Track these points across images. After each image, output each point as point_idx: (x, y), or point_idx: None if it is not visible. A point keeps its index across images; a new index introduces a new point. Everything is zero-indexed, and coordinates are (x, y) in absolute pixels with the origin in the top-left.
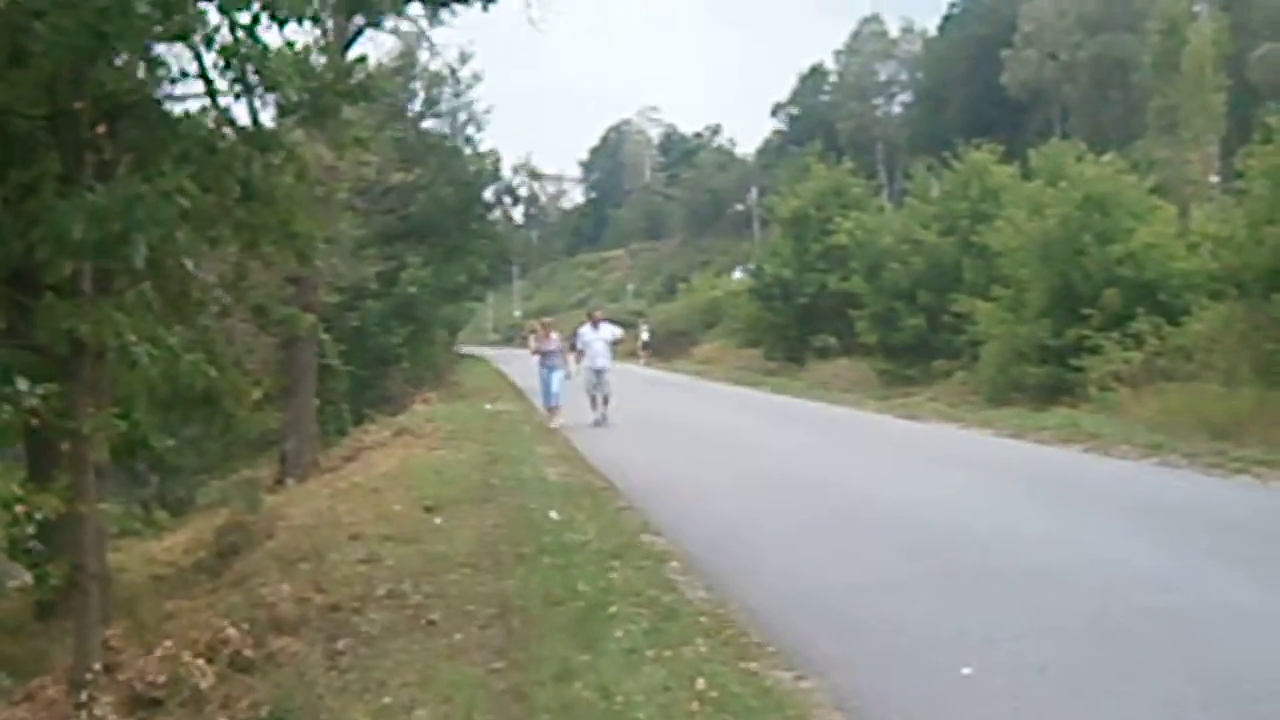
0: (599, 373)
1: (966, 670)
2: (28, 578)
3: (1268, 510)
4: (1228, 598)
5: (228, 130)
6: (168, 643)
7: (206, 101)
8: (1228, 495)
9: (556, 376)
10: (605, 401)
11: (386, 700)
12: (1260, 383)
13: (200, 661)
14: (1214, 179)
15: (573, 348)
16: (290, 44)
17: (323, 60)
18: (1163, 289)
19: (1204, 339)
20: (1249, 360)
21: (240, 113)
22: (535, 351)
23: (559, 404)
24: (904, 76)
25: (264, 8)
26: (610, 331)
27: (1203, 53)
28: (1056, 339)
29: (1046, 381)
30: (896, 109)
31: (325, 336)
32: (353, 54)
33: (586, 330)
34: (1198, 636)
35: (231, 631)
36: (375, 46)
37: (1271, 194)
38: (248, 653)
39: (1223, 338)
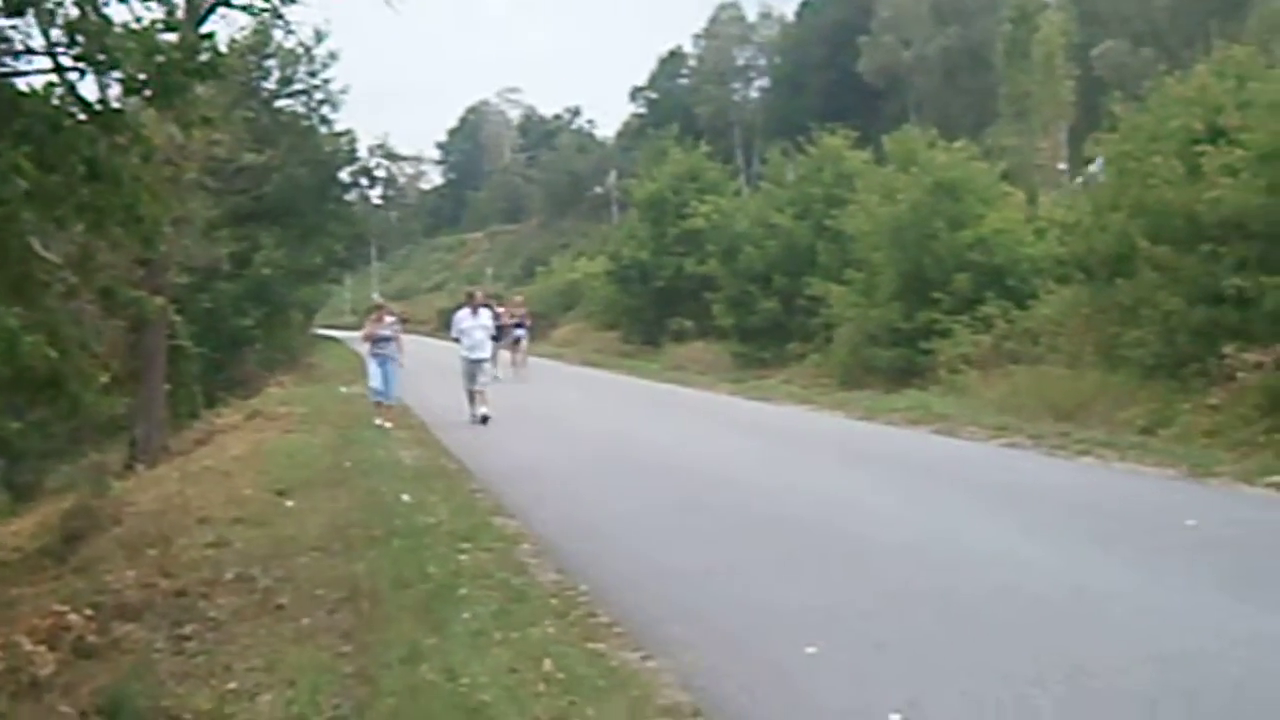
0: (478, 364)
1: (811, 649)
2: None
3: (1111, 491)
4: (1071, 578)
5: (74, 109)
6: (6, 629)
7: (54, 78)
8: (1072, 476)
9: (391, 370)
10: (484, 399)
11: (232, 685)
12: (1103, 366)
13: (41, 648)
14: (1062, 166)
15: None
16: (138, 19)
17: (170, 37)
18: (1011, 274)
19: (1050, 323)
20: (1093, 344)
21: (90, 91)
22: (367, 338)
23: (392, 401)
24: (761, 61)
25: None
26: (490, 316)
27: (1052, 41)
28: (907, 322)
29: (897, 364)
30: (754, 94)
31: (177, 318)
32: (205, 31)
33: (465, 315)
34: (1040, 614)
35: (74, 617)
36: (229, 24)
37: (1115, 181)
38: (91, 639)
39: (1068, 322)
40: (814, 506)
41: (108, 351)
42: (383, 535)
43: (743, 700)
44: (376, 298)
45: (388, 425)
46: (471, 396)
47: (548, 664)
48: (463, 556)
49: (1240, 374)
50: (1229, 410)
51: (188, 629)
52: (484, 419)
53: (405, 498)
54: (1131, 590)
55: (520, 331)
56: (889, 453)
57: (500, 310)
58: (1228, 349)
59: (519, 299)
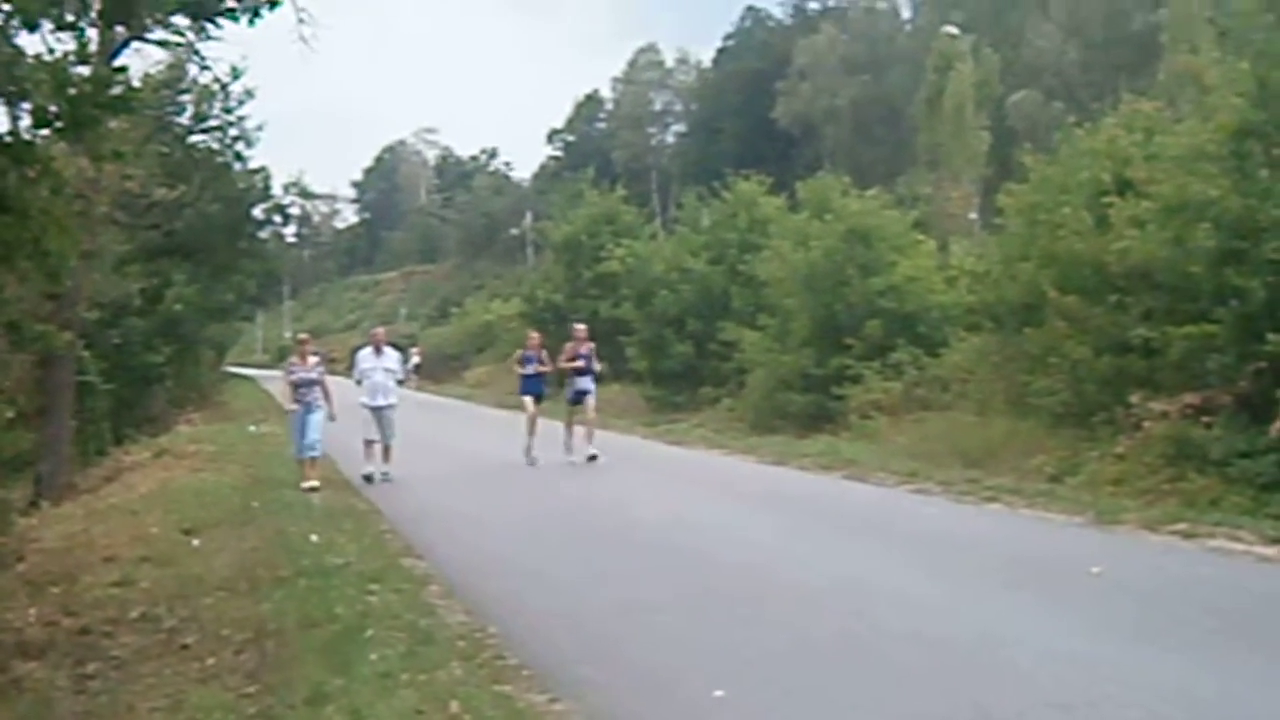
0: (380, 412)
1: (719, 693)
2: None
3: (1018, 538)
4: (977, 623)
5: None
6: None
7: None
8: (980, 523)
9: (315, 419)
10: (387, 452)
11: None
12: (1012, 413)
13: None
14: (973, 215)
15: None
16: (51, 50)
17: (83, 70)
18: (922, 321)
19: (960, 370)
20: (1002, 391)
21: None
22: (289, 383)
23: (318, 454)
24: (678, 107)
25: (14, 11)
26: (396, 358)
27: (963, 93)
28: (819, 368)
29: (809, 409)
30: (670, 139)
31: (85, 354)
32: (118, 65)
33: (367, 355)
34: (946, 659)
35: None
36: (143, 58)
37: (1025, 231)
38: None
39: (977, 369)
40: (723, 550)
41: (14, 386)
42: (290, 575)
43: None
44: (287, 334)
45: (314, 484)
46: (369, 447)
47: (454, 706)
48: (371, 597)
49: (1146, 423)
50: (1135, 458)
51: (90, 668)
52: (384, 475)
53: (314, 538)
54: (1036, 636)
55: (586, 383)
56: (799, 497)
57: (415, 350)
58: (1134, 398)
59: (581, 329)
